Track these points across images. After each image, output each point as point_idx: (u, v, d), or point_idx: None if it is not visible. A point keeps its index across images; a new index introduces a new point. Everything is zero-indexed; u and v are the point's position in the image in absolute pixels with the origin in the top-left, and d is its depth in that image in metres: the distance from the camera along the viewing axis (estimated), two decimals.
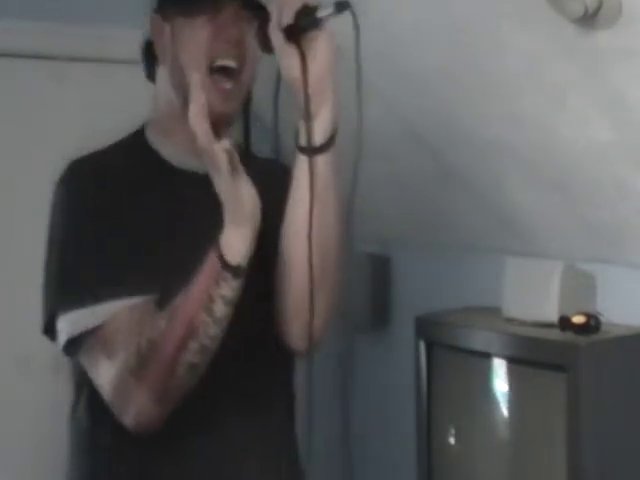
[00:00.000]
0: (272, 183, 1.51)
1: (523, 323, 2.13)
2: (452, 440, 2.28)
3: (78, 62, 2.84)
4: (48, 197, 1.55)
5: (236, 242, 1.38)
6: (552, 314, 2.07)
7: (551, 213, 2.28)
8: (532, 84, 1.99)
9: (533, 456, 2.06)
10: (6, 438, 2.82)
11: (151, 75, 1.61)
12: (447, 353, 2.29)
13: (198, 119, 1.35)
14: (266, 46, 1.42)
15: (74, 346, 1.46)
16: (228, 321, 1.41)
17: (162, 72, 1.56)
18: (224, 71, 1.49)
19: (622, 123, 1.87)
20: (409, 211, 2.85)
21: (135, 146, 1.59)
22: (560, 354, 1.95)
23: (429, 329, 2.34)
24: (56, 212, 1.52)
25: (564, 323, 2.03)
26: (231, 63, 1.49)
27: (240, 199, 1.38)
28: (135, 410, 1.42)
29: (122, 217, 1.47)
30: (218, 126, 1.46)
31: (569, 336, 2.00)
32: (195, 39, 1.48)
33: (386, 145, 2.66)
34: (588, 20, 1.67)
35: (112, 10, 2.71)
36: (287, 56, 1.38)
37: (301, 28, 1.37)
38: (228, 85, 1.49)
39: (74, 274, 1.47)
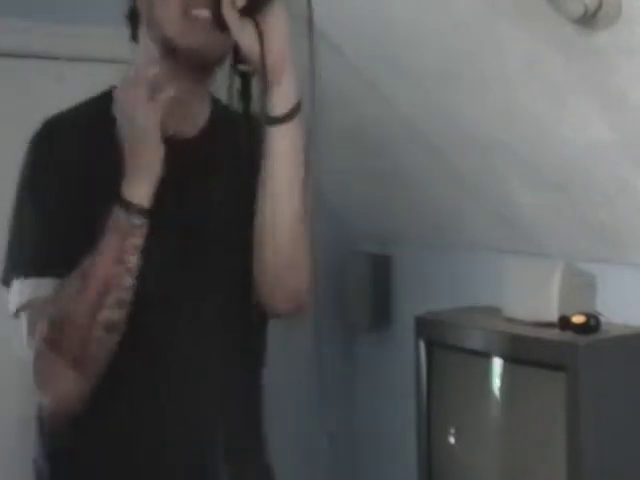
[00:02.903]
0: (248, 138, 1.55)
1: (523, 323, 2.13)
2: (452, 440, 2.28)
3: (78, 62, 2.84)
4: None
5: (139, 186, 1.41)
6: (552, 314, 2.07)
7: (551, 213, 2.28)
8: (532, 84, 1.99)
9: (533, 455, 2.06)
10: (6, 437, 2.82)
11: (135, 36, 1.61)
12: (447, 353, 2.29)
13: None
14: (221, 25, 1.44)
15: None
16: (138, 268, 1.41)
17: (142, 29, 1.58)
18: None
19: (622, 123, 1.87)
20: (409, 211, 2.85)
21: (107, 101, 1.60)
22: (560, 354, 1.95)
23: (429, 329, 2.34)
24: (22, 173, 1.55)
25: (564, 323, 2.03)
26: (204, 12, 1.48)
27: (140, 147, 1.41)
28: (56, 386, 1.40)
29: (82, 182, 1.48)
30: (206, 69, 1.51)
31: (569, 336, 2.00)
32: None
33: (386, 144, 2.66)
34: (588, 20, 1.67)
35: (112, 10, 2.71)
36: (244, 32, 1.41)
37: (255, 6, 1.40)
38: (206, 14, 1.46)
39: (32, 239, 1.48)
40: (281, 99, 1.44)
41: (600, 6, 1.63)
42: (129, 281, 1.40)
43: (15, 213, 1.52)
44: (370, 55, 2.39)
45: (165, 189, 1.47)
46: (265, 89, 1.44)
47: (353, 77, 2.50)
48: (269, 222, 1.48)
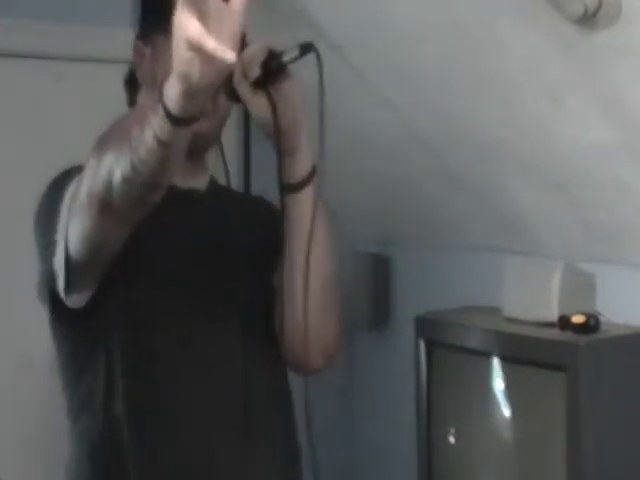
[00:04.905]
0: (256, 217, 1.62)
1: (523, 323, 2.13)
2: (452, 440, 2.28)
3: (78, 62, 2.84)
4: None
5: (171, 88, 1.23)
6: (552, 314, 2.08)
7: (551, 213, 2.28)
8: (532, 84, 2.00)
9: (533, 456, 2.06)
10: (7, 437, 2.82)
11: (132, 103, 1.62)
12: (447, 353, 2.29)
13: None
14: (234, 96, 1.43)
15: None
16: (155, 163, 1.28)
17: (143, 97, 1.57)
18: None
19: (622, 123, 1.87)
20: (409, 211, 2.85)
21: None
22: (560, 354, 1.95)
23: (429, 329, 2.34)
24: (41, 210, 1.55)
25: (564, 323, 2.03)
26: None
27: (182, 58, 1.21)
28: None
29: None
30: (196, 150, 1.50)
31: (569, 336, 2.00)
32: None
33: (386, 145, 2.66)
34: (588, 20, 1.67)
35: (112, 10, 2.71)
36: (257, 103, 1.41)
37: (268, 77, 1.39)
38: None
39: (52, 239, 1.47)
40: (296, 168, 1.46)
41: (600, 6, 1.63)
42: (129, 154, 1.28)
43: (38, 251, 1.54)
44: (369, 56, 2.39)
45: (190, 237, 1.54)
46: (279, 158, 1.45)
47: (352, 78, 2.50)
48: (297, 286, 1.50)
